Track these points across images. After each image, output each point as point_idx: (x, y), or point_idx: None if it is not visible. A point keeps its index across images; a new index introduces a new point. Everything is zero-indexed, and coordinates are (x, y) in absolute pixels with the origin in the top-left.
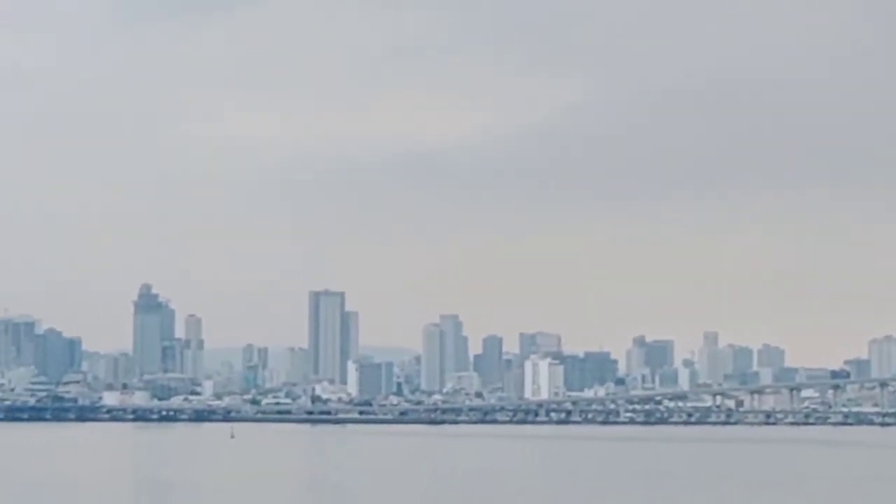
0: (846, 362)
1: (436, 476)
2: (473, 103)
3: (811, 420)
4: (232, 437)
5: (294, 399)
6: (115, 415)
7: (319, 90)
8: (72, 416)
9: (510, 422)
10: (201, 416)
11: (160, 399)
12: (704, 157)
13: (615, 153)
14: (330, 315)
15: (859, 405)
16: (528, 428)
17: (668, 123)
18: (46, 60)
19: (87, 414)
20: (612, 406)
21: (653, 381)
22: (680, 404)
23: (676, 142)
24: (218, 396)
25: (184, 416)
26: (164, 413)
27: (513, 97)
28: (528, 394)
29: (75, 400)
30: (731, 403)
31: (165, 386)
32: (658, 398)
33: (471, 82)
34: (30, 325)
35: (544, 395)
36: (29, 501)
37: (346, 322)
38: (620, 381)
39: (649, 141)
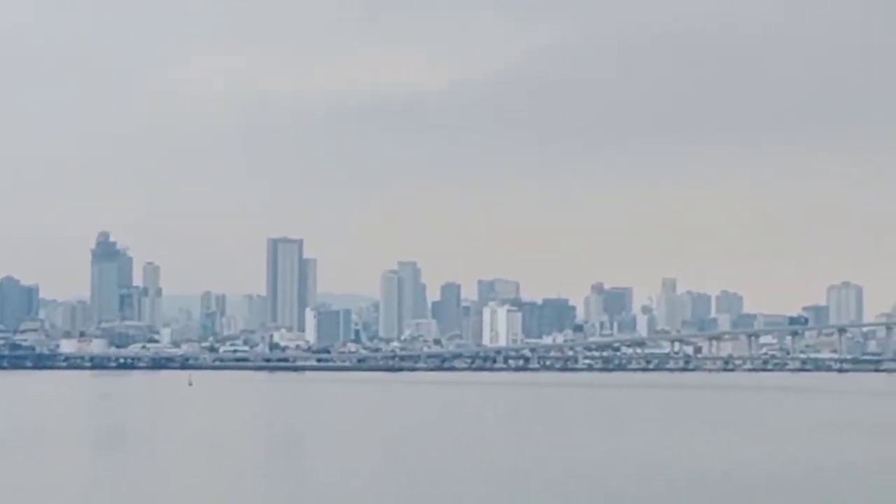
0: (804, 309)
1: (394, 423)
2: (441, 52)
3: (769, 366)
4: (190, 384)
5: (252, 346)
6: (72, 363)
7: (290, 39)
8: (29, 364)
9: (468, 369)
10: (159, 363)
11: (118, 347)
12: (668, 103)
13: (578, 100)
14: (288, 262)
15: (817, 351)
16: (487, 375)
17: (635, 71)
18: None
19: (44, 362)
20: (571, 353)
21: (611, 327)
22: (638, 351)
23: (642, 88)
24: (176, 344)
25: (141, 364)
26: (121, 361)
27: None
28: (486, 341)
29: (32, 348)
30: (689, 350)
31: (123, 334)
32: (616, 345)
33: (437, 30)
34: None
35: (502, 341)
36: None
37: (305, 269)
38: (579, 328)
39: (615, 88)
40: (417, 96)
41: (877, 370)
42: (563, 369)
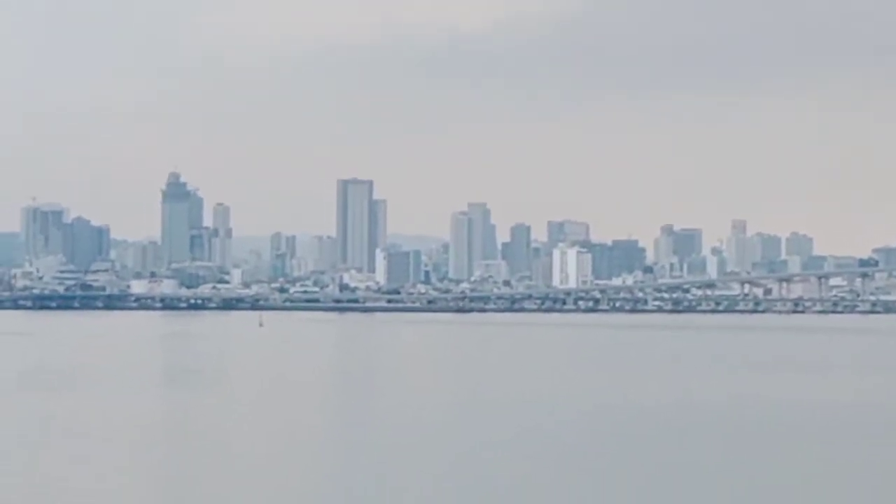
0: (875, 250)
1: (465, 363)
2: None
3: (839, 308)
4: (260, 325)
5: (322, 287)
6: (143, 303)
7: None
8: (100, 304)
9: (538, 310)
10: (229, 304)
11: (188, 287)
12: (737, 50)
13: (646, 44)
14: (358, 203)
15: (888, 293)
16: (556, 316)
17: (696, 12)
18: None
19: (115, 302)
20: (640, 294)
21: (681, 269)
22: (708, 292)
23: (700, 32)
24: (246, 285)
25: (212, 305)
26: (192, 301)
27: None
28: (556, 282)
29: (103, 288)
30: (759, 292)
31: (193, 274)
32: (686, 286)
33: None
34: (58, 214)
35: (572, 283)
36: (57, 389)
37: (374, 210)
38: (648, 270)
39: (688, 31)
40: (484, 36)
41: None
42: (633, 311)
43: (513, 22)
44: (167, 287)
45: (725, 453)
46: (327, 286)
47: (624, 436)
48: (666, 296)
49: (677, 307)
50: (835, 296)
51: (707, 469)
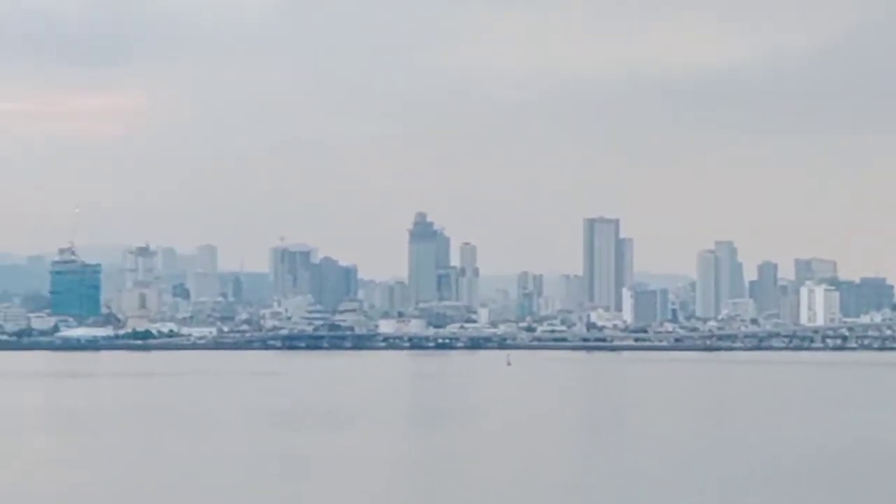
0: None
1: (715, 402)
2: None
3: None
4: (508, 364)
5: (569, 326)
6: (391, 343)
7: (591, 14)
8: (348, 344)
9: (786, 348)
10: (476, 343)
11: (436, 327)
12: None
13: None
14: (604, 242)
15: None
16: (804, 354)
17: None
18: None
19: (363, 342)
20: (889, 332)
21: None
22: None
23: None
24: (493, 324)
25: (459, 344)
26: (439, 341)
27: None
28: (803, 320)
29: (352, 328)
30: None
31: (441, 314)
32: None
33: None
34: (306, 254)
35: (820, 321)
36: (313, 428)
37: (621, 248)
38: None
39: None
40: (731, 70)
41: None
42: (882, 348)
43: (762, 56)
44: (415, 327)
45: None
46: (574, 325)
47: (865, 475)
48: None
49: None
50: None
51: None
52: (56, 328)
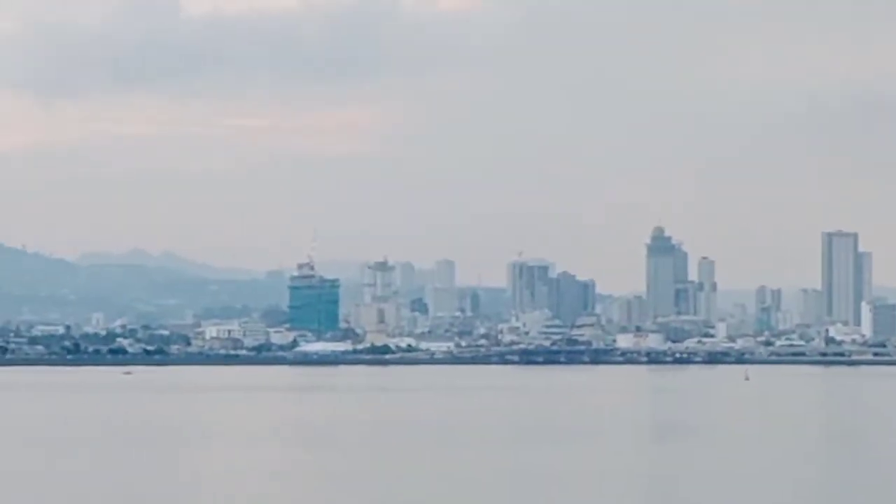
0: None
1: None
2: None
3: None
4: (746, 378)
5: (807, 341)
6: (628, 357)
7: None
8: (586, 358)
9: None
10: (714, 358)
11: (673, 342)
12: None
13: None
14: (843, 256)
15: None
16: None
17: None
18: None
19: (600, 357)
20: None
21: None
22: None
23: None
24: (731, 339)
25: (697, 359)
26: (677, 355)
27: None
28: None
29: (589, 343)
30: None
31: (679, 328)
32: None
33: None
34: (544, 269)
35: None
36: (554, 442)
37: (860, 262)
38: None
39: None
40: None
41: None
42: None
43: None
44: (653, 341)
45: None
46: (813, 339)
47: None
48: None
49: None
50: None
51: None
52: (295, 343)
